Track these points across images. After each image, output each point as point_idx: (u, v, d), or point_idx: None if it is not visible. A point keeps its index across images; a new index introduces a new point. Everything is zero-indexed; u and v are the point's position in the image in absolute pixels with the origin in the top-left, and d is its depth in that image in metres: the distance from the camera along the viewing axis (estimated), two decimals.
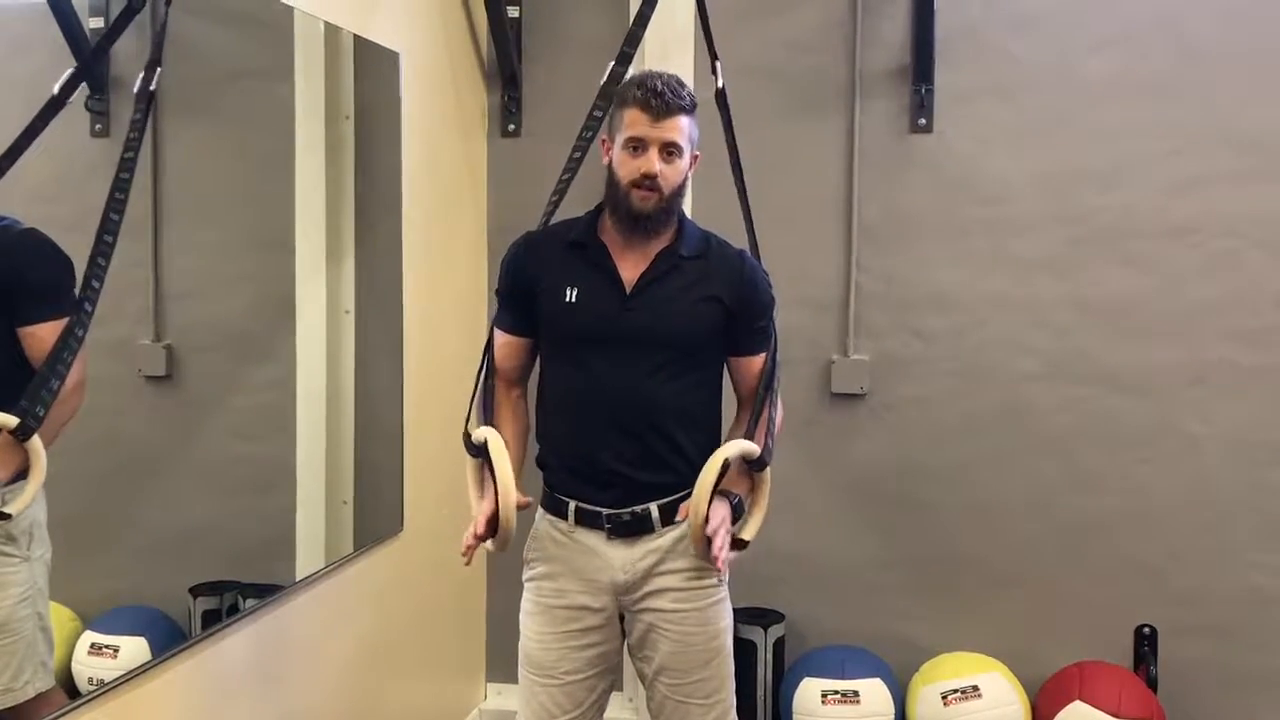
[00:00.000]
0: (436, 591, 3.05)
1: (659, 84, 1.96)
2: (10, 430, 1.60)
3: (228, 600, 2.21)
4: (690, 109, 2.00)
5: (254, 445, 2.43)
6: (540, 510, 2.13)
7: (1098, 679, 2.90)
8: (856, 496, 3.16)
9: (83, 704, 1.79)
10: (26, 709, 1.73)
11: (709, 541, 1.88)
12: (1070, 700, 2.87)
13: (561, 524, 2.08)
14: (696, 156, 2.06)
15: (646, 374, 2.01)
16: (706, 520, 1.88)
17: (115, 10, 1.84)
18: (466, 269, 3.22)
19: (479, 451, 1.96)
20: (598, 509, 2.04)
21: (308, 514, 2.54)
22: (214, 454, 2.28)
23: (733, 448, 1.93)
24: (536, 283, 2.07)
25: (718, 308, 2.04)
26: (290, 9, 2.34)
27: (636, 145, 1.97)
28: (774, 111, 3.12)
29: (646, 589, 2.06)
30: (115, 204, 1.73)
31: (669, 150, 1.97)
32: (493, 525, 1.90)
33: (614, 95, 2.08)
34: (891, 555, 3.15)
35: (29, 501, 1.65)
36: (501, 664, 3.31)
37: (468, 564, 1.95)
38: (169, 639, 2.05)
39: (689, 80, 2.59)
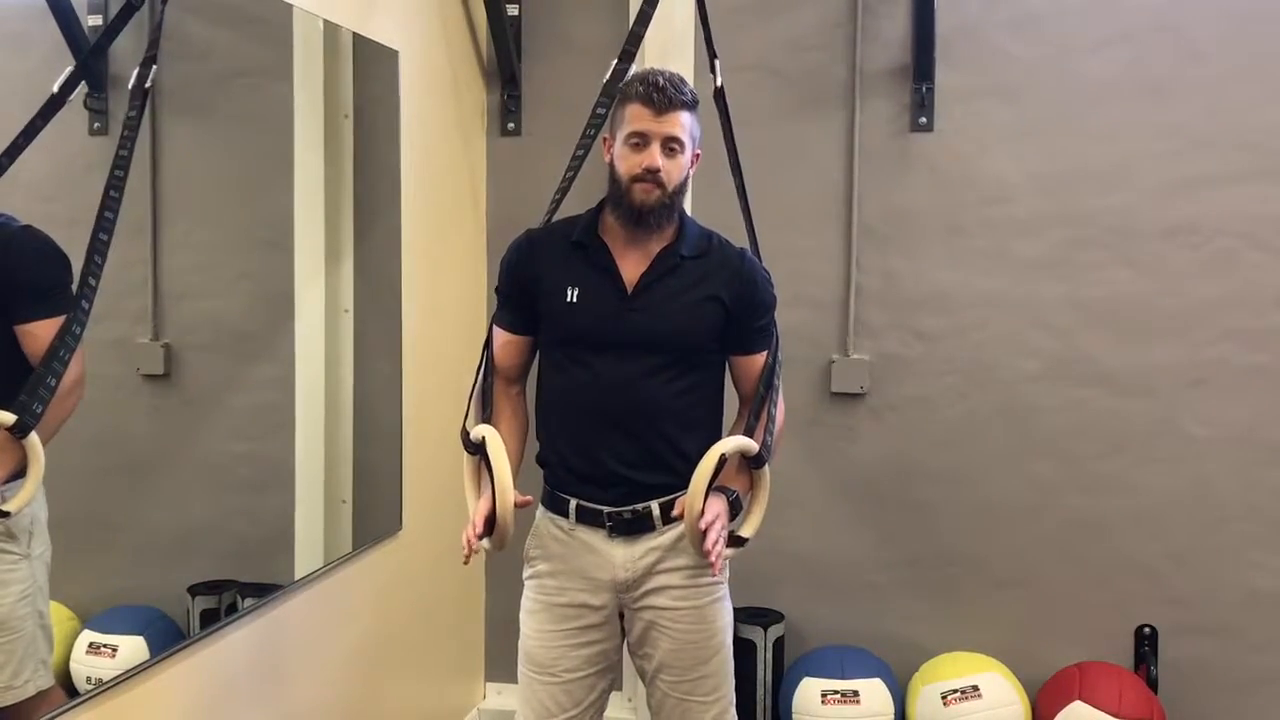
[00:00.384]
0: (435, 591, 3.05)
1: (661, 79, 1.97)
2: (8, 427, 1.60)
3: (226, 599, 2.20)
4: (692, 105, 2.00)
5: (252, 444, 2.43)
6: (541, 508, 2.13)
7: (1098, 679, 2.90)
8: (856, 496, 3.16)
9: (81, 703, 1.78)
10: (26, 707, 1.73)
11: (704, 536, 1.87)
12: (1070, 700, 2.86)
13: (562, 522, 2.08)
14: (698, 155, 2.05)
15: (647, 374, 2.01)
16: (701, 514, 1.87)
17: (114, 8, 1.84)
18: (466, 268, 3.21)
19: (477, 449, 1.95)
20: (599, 507, 2.04)
21: (306, 513, 2.54)
22: (212, 453, 2.28)
23: (729, 443, 1.92)
24: (537, 282, 2.06)
25: (718, 307, 2.04)
26: (289, 7, 2.33)
27: (638, 140, 1.97)
28: (774, 110, 3.11)
29: (647, 587, 2.06)
30: (110, 202, 1.74)
31: (671, 145, 1.97)
32: (490, 523, 1.90)
33: (615, 93, 2.09)
34: (891, 555, 3.15)
35: (28, 499, 1.65)
36: (501, 663, 3.31)
37: (466, 563, 1.95)
38: (167, 638, 2.05)
39: (689, 79, 2.59)
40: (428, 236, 2.92)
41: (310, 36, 2.49)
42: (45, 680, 1.77)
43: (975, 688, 2.90)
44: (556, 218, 2.16)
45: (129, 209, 1.77)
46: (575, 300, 2.02)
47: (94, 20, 1.88)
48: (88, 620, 2.00)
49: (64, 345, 1.66)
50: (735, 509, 1.96)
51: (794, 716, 2.96)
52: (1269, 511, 2.96)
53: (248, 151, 2.41)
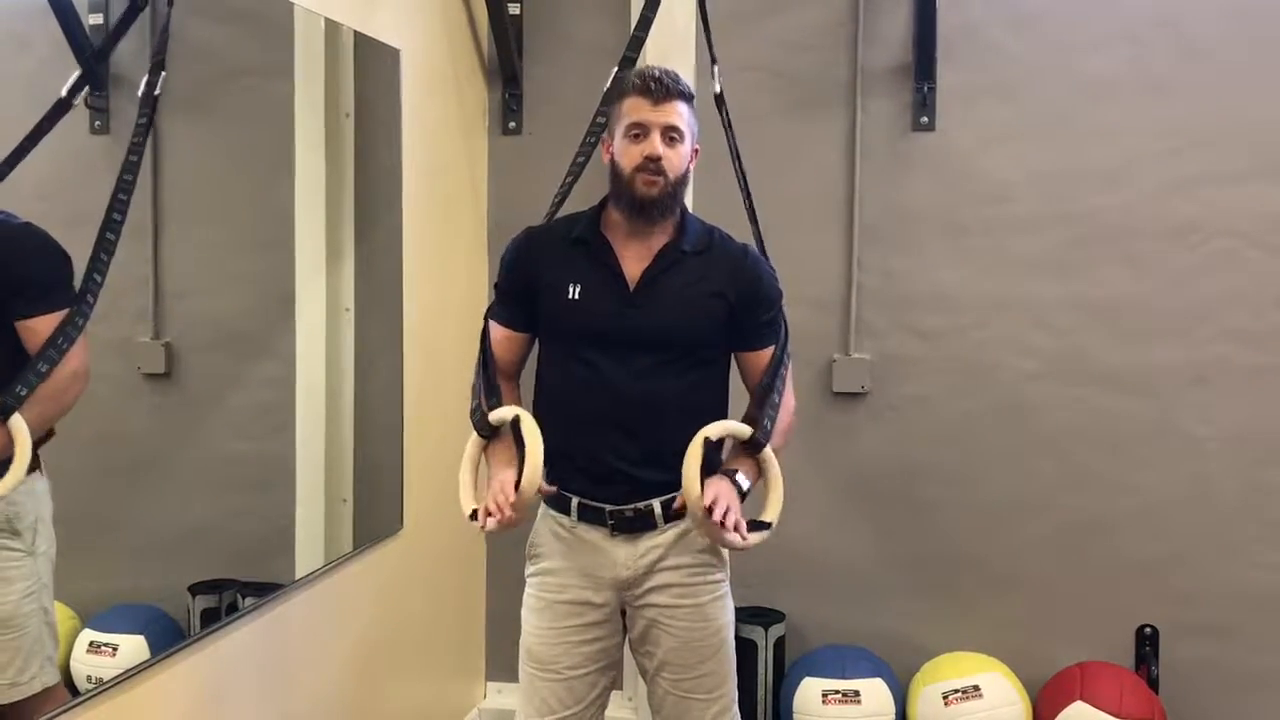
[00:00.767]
0: (436, 590, 3.05)
1: (656, 71, 1.99)
2: None
3: (227, 599, 2.20)
4: (688, 97, 2.00)
5: (253, 443, 2.42)
6: (543, 505, 2.13)
7: (1099, 679, 2.90)
8: (857, 496, 3.16)
9: (82, 702, 1.78)
10: (32, 704, 1.73)
11: (709, 513, 1.84)
12: (1071, 700, 2.86)
13: (564, 519, 2.08)
14: (696, 150, 2.05)
15: (649, 371, 2.01)
16: (702, 497, 1.84)
17: (115, 6, 1.84)
18: (467, 267, 3.21)
19: (494, 431, 1.95)
20: (600, 505, 2.04)
21: (307, 512, 2.54)
22: (213, 452, 2.28)
23: (715, 426, 1.91)
24: (538, 279, 2.06)
25: (721, 304, 2.03)
26: (290, 5, 2.33)
27: (638, 131, 1.97)
28: (775, 110, 3.11)
29: (648, 584, 2.06)
30: (118, 204, 1.74)
31: (670, 134, 1.97)
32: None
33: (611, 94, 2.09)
34: (892, 555, 3.15)
35: (14, 484, 1.61)
36: (501, 663, 3.31)
37: (483, 529, 1.90)
38: (168, 637, 2.05)
39: (690, 81, 2.59)
40: (429, 235, 2.92)
41: (311, 35, 2.48)
42: (51, 677, 1.77)
43: (976, 688, 2.90)
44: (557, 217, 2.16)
45: (131, 208, 1.77)
46: (577, 297, 2.02)
47: (95, 19, 1.87)
48: (88, 619, 2.00)
49: (63, 335, 1.66)
50: (739, 491, 1.93)
51: (795, 716, 2.96)
52: (1270, 511, 2.96)
53: (249, 150, 2.41)
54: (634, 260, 2.03)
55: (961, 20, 3.01)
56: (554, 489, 1.99)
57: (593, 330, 2.02)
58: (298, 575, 2.40)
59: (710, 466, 1.92)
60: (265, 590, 2.28)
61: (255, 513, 2.41)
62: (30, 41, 1.83)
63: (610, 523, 2.04)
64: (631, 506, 2.03)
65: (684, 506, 1.90)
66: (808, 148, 3.12)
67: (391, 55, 2.71)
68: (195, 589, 2.16)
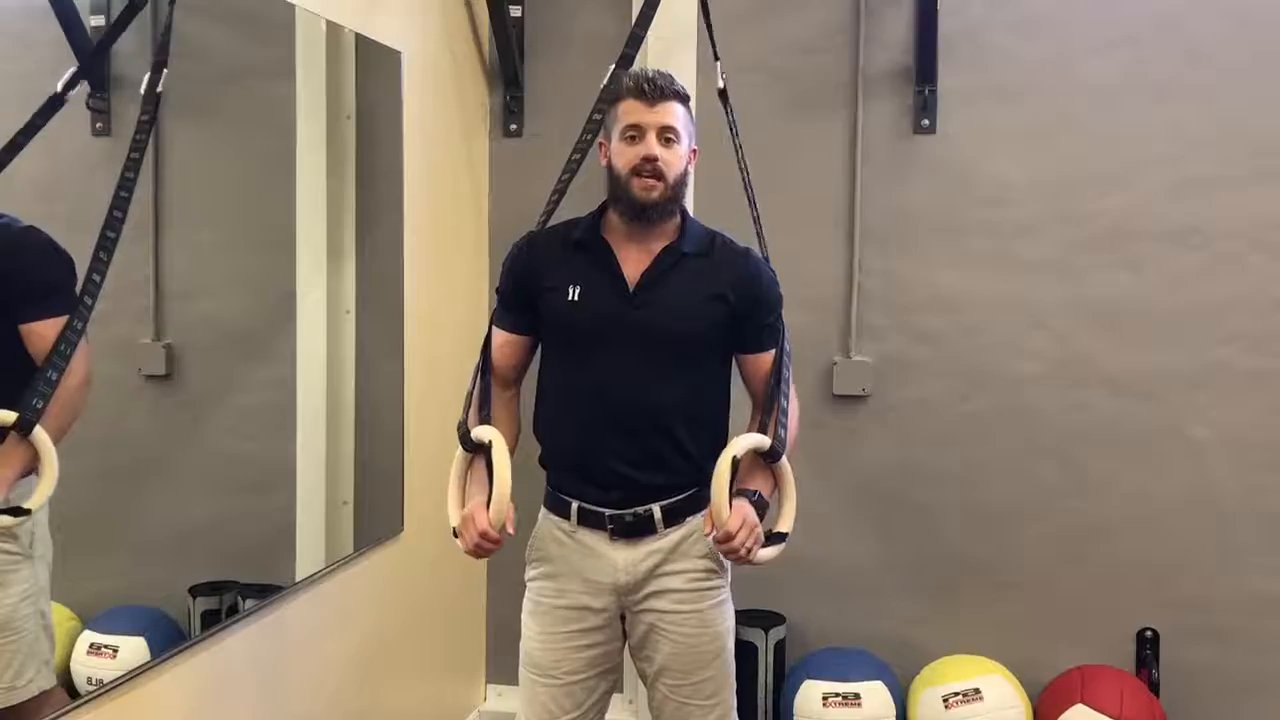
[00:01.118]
0: (436, 592, 3.04)
1: (650, 72, 1.99)
2: (11, 426, 1.60)
3: (227, 600, 2.20)
4: (684, 98, 2.00)
5: (254, 445, 2.42)
6: (543, 510, 2.13)
7: (1099, 682, 2.90)
8: (858, 498, 3.16)
9: (82, 704, 1.78)
10: (29, 708, 1.72)
11: (733, 539, 1.86)
12: (1072, 703, 2.86)
13: (564, 524, 2.08)
14: (695, 151, 2.05)
15: (650, 373, 2.00)
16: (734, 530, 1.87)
17: (116, 7, 1.84)
18: (468, 269, 3.21)
19: (476, 449, 1.95)
20: (600, 509, 2.04)
21: (308, 514, 2.54)
22: (214, 453, 2.28)
23: (740, 443, 1.92)
24: (539, 282, 2.06)
25: (722, 306, 2.03)
26: (292, 7, 2.33)
27: (634, 133, 1.97)
28: (776, 112, 3.11)
29: (648, 590, 2.05)
30: (120, 201, 1.75)
31: (667, 135, 1.97)
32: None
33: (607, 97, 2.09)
34: (893, 557, 3.14)
35: (47, 495, 1.64)
36: (501, 665, 3.31)
37: (478, 558, 1.94)
38: (168, 639, 2.05)
39: (691, 81, 2.59)
40: (430, 237, 2.92)
41: (313, 37, 2.49)
42: (48, 681, 1.77)
43: (977, 690, 2.89)
44: (554, 221, 2.16)
45: (131, 209, 1.77)
46: (577, 299, 2.02)
47: (96, 20, 1.87)
48: (88, 621, 2.00)
49: (65, 340, 1.66)
50: (760, 509, 1.94)
51: (795, 719, 2.96)
52: (1271, 515, 2.96)
53: (250, 152, 2.41)
54: (634, 262, 2.03)
55: (962, 23, 3.01)
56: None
57: (593, 332, 2.02)
58: (298, 577, 2.40)
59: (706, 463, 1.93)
60: (266, 592, 2.28)
61: (256, 514, 2.41)
62: (30, 42, 1.83)
63: (610, 527, 2.04)
64: (631, 511, 2.03)
65: (709, 528, 1.90)
66: (808, 150, 3.12)
67: (393, 57, 2.71)
68: (196, 590, 2.16)
